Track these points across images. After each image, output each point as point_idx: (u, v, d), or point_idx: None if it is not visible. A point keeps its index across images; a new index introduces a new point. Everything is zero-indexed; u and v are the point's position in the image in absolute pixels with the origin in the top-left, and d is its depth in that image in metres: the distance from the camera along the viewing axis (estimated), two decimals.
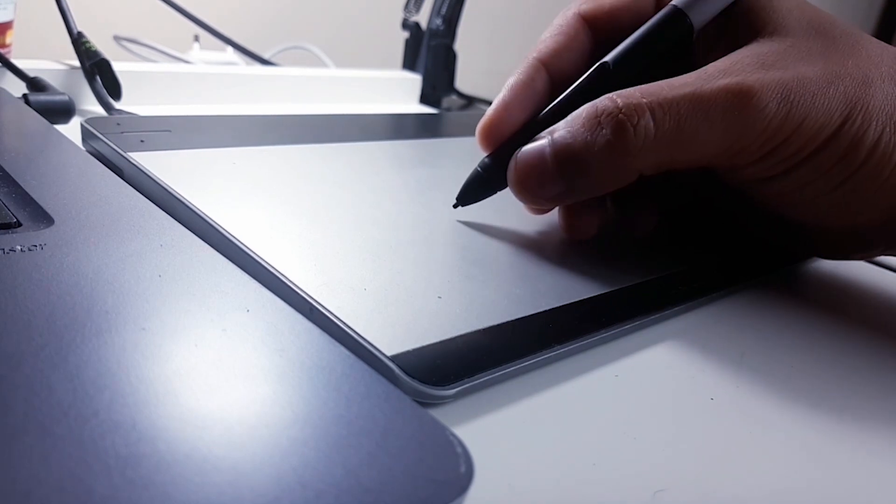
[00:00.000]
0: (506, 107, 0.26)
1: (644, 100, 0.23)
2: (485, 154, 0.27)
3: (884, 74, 0.24)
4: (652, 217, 0.29)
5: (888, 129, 0.23)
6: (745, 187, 0.27)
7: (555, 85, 0.26)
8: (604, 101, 0.23)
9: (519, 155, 0.25)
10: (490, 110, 0.26)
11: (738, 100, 0.23)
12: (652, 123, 0.23)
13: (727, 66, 0.24)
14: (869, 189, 0.24)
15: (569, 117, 0.24)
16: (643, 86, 0.23)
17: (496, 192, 0.27)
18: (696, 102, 0.23)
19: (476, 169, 0.27)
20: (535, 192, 0.25)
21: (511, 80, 0.27)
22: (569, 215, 0.27)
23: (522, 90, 0.26)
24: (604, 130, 0.23)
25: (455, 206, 0.27)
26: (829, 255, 0.30)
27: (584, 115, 0.24)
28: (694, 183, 0.31)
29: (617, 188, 0.25)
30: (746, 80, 0.23)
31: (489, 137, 0.26)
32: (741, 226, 0.31)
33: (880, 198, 0.24)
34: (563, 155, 0.24)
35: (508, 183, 0.26)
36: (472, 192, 0.27)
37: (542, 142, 0.24)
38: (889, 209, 0.25)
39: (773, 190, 0.26)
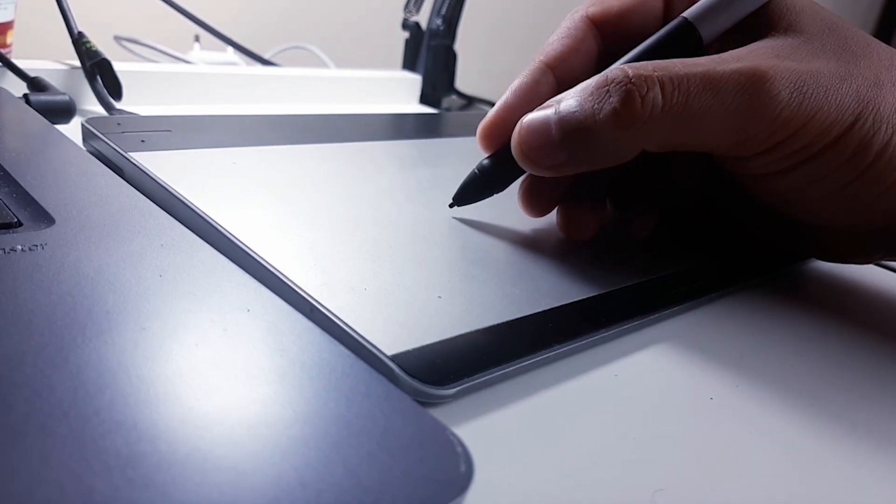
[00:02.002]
0: (508, 108, 0.26)
1: (655, 73, 0.22)
2: (484, 154, 0.27)
3: (894, 79, 0.24)
4: (650, 218, 0.29)
5: None
6: (750, 182, 0.26)
7: (561, 89, 0.26)
8: (614, 70, 0.23)
9: (524, 121, 0.25)
10: (492, 111, 0.26)
11: (751, 83, 0.22)
12: (660, 97, 0.22)
13: (742, 53, 0.23)
14: (873, 192, 0.24)
15: (579, 86, 0.24)
16: (655, 61, 0.23)
17: (492, 195, 0.27)
18: (708, 81, 0.22)
19: (473, 171, 0.27)
20: (535, 159, 0.24)
21: (515, 83, 0.26)
22: (568, 215, 0.27)
23: (526, 93, 0.26)
24: (611, 98, 0.22)
25: (451, 206, 0.27)
26: (829, 258, 0.30)
27: (593, 84, 0.23)
28: (695, 185, 0.31)
29: (618, 163, 0.24)
30: (761, 66, 0.22)
31: (489, 138, 0.26)
32: (741, 226, 0.31)
33: (883, 201, 0.24)
34: (567, 123, 0.23)
35: (512, 147, 0.25)
36: (469, 193, 0.27)
37: (548, 110, 0.24)
38: (891, 213, 0.25)
39: (779, 187, 0.25)
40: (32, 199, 0.21)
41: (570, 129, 0.23)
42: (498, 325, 0.20)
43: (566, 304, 0.22)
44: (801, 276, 0.31)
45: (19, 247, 0.18)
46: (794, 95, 0.22)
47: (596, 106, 0.23)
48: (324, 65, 0.67)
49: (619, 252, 0.28)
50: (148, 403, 0.13)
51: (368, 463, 0.13)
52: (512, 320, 0.20)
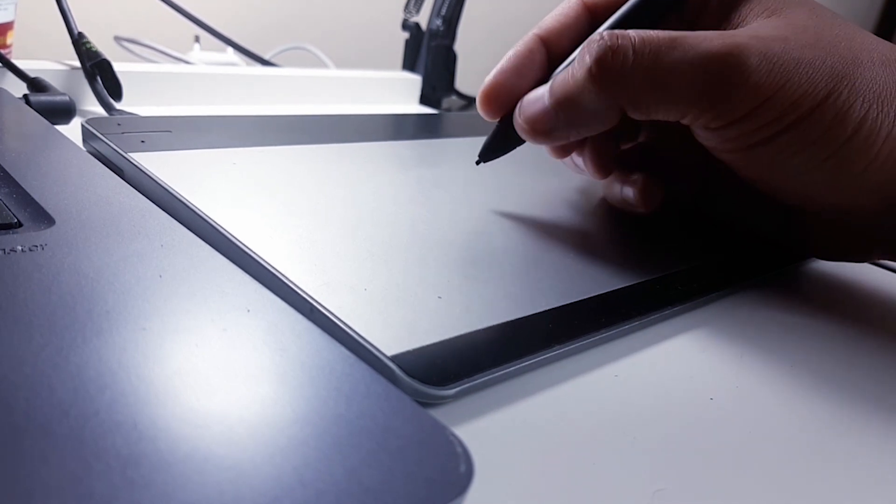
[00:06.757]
0: (504, 73, 0.28)
1: (629, 33, 0.24)
2: (486, 121, 0.28)
3: (874, 59, 0.24)
4: (658, 191, 0.30)
5: (874, 108, 0.24)
6: (732, 158, 0.27)
7: (551, 60, 0.28)
8: (592, 35, 0.25)
9: (524, 98, 0.27)
10: (489, 78, 0.28)
11: (721, 49, 0.23)
12: (631, 52, 0.24)
13: (718, 32, 0.25)
14: (856, 167, 0.24)
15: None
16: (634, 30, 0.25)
17: (515, 148, 0.28)
18: (678, 41, 0.24)
19: (497, 126, 0.28)
20: (532, 126, 0.26)
21: (511, 52, 0.28)
22: (645, 188, 0.29)
23: (521, 60, 0.28)
24: (586, 58, 0.25)
25: (478, 163, 0.29)
26: (828, 255, 0.30)
27: (577, 53, 0.25)
28: (698, 170, 0.31)
29: (606, 125, 0.26)
30: (735, 38, 0.24)
31: (489, 103, 0.28)
32: (740, 223, 0.31)
33: (871, 179, 0.24)
34: (555, 90, 0.26)
35: (514, 120, 0.27)
36: (493, 148, 0.28)
37: (545, 86, 0.26)
38: (886, 196, 0.25)
39: (759, 161, 0.26)
40: (32, 199, 0.21)
41: (558, 95, 0.26)
42: (498, 325, 0.20)
43: (566, 305, 0.22)
44: (802, 277, 0.31)
45: (19, 247, 0.18)
46: (762, 63, 0.23)
47: (576, 68, 0.25)
48: (324, 65, 0.67)
49: (619, 252, 0.28)
50: (148, 403, 0.13)
51: (368, 463, 0.13)
52: (512, 320, 0.20)
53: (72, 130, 0.31)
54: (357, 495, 0.12)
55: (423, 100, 0.58)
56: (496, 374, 0.18)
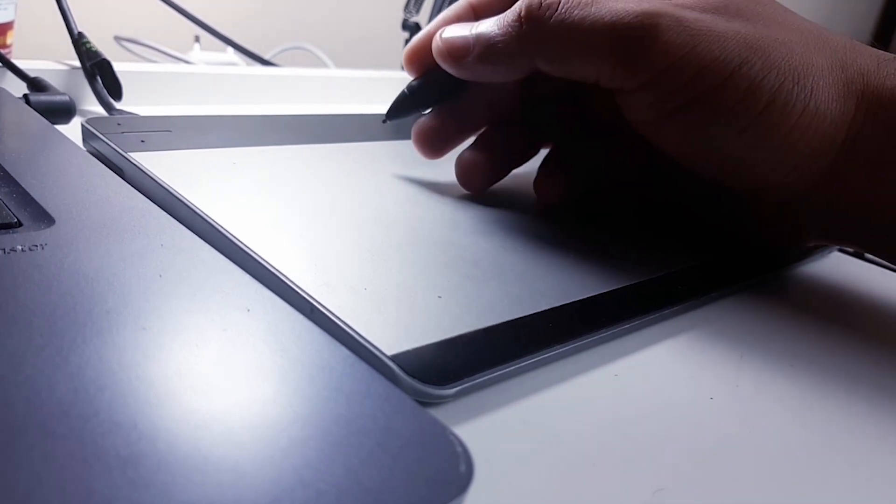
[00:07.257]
0: (431, 36, 0.29)
1: None
2: (411, 77, 0.30)
3: (792, 37, 0.25)
4: (558, 187, 0.30)
5: (789, 80, 0.24)
6: (652, 128, 0.27)
7: None
8: None
9: (451, 25, 0.28)
10: (417, 37, 0.30)
11: (635, 10, 0.24)
12: (555, 7, 0.25)
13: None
14: (773, 140, 0.24)
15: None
16: None
17: (418, 111, 0.31)
18: (598, 2, 0.25)
19: (403, 90, 0.31)
20: (451, 52, 0.28)
21: (440, 15, 0.30)
22: (468, 165, 0.30)
23: (448, 23, 0.29)
24: (519, 4, 0.26)
25: (384, 121, 0.31)
26: (763, 240, 0.30)
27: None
28: (643, 153, 0.31)
29: (511, 73, 0.27)
30: (651, 3, 0.24)
31: (413, 61, 0.30)
32: (686, 207, 0.32)
33: (790, 154, 0.25)
34: (481, 25, 0.27)
35: (433, 47, 0.28)
36: (399, 110, 0.31)
37: (469, 24, 0.28)
38: (806, 174, 0.25)
39: (678, 130, 0.26)
40: (32, 199, 0.21)
41: (481, 29, 0.27)
42: (498, 325, 0.20)
43: (565, 304, 0.22)
44: (801, 277, 0.31)
45: (19, 247, 0.18)
46: (674, 26, 0.24)
47: (508, 13, 0.27)
48: (324, 65, 0.67)
49: (619, 252, 0.28)
50: (148, 403, 0.13)
51: (368, 463, 0.13)
52: (512, 320, 0.20)
53: (72, 130, 0.31)
54: (357, 495, 0.12)
55: None
56: (496, 374, 0.18)
